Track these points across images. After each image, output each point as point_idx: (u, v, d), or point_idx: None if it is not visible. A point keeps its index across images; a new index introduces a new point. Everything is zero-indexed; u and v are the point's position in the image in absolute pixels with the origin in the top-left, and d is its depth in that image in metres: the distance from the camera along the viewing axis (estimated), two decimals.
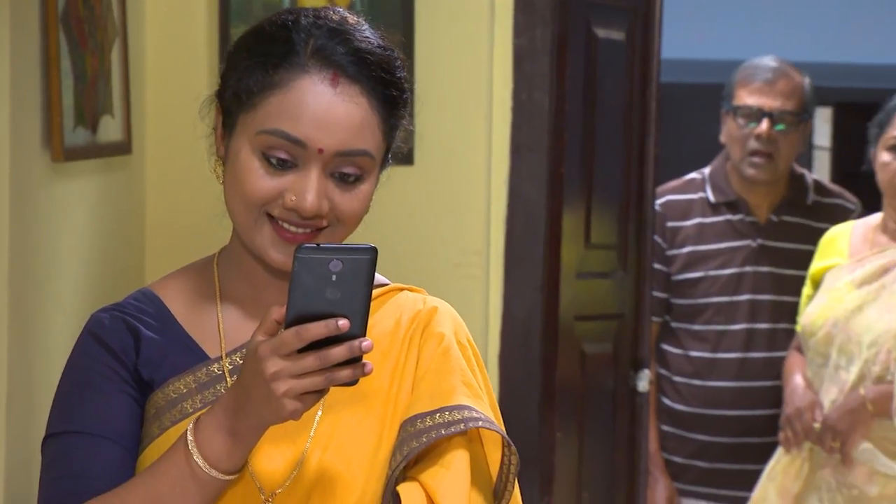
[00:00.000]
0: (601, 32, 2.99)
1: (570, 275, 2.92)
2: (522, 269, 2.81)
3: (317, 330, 1.26)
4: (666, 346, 3.42)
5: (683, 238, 3.40)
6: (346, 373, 1.28)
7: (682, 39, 5.15)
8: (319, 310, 1.27)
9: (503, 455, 1.44)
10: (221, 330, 1.47)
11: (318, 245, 1.28)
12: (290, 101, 1.38)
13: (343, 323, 1.26)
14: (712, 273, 3.36)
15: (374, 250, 1.27)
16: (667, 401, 3.41)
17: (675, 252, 3.40)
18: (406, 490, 1.39)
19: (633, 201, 3.13)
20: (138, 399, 1.44)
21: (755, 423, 3.31)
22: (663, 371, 3.41)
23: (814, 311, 3.06)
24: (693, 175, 3.50)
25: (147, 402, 1.45)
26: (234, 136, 1.41)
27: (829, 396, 3.00)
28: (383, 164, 1.44)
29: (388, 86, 1.41)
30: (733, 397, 3.32)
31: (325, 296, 1.26)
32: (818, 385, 3.04)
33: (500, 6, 2.79)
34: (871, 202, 3.35)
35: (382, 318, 1.44)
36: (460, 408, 1.41)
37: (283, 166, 1.38)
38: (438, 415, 1.41)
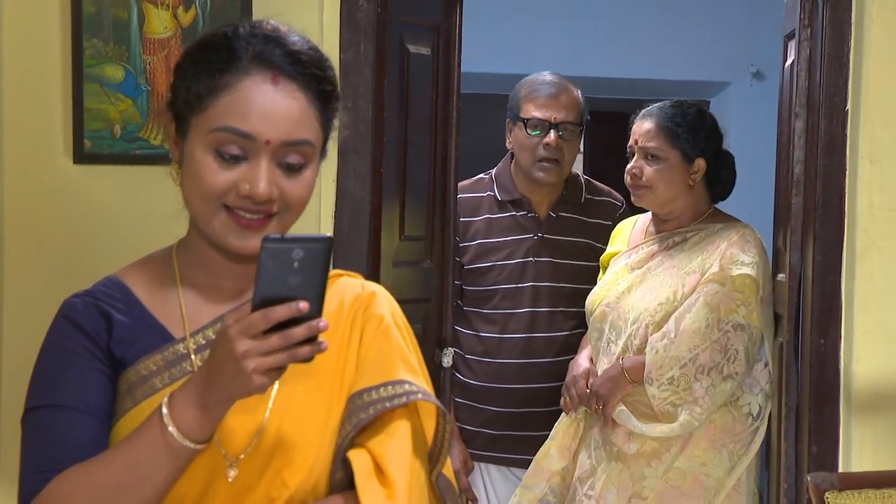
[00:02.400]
0: (412, 48, 3.18)
1: (387, 263, 3.10)
2: (349, 259, 2.96)
3: (281, 312, 1.33)
4: (459, 328, 3.60)
5: (474, 232, 3.59)
6: (305, 350, 1.35)
7: (478, 54, 5.49)
8: (282, 294, 1.33)
9: (438, 424, 1.54)
10: (184, 313, 1.54)
11: (282, 236, 1.35)
12: (236, 100, 1.45)
13: (304, 305, 1.33)
14: (499, 263, 3.56)
15: (330, 240, 1.36)
16: (460, 376, 3.60)
17: (466, 244, 3.59)
18: (356, 456, 1.49)
19: (437, 198, 3.31)
20: (111, 376, 1.50)
21: (538, 395, 3.53)
22: (458, 350, 3.59)
23: (595, 293, 3.30)
24: (481, 175, 3.70)
25: (119, 378, 1.51)
26: (188, 139, 1.49)
27: (602, 366, 3.19)
28: (322, 153, 1.55)
29: (321, 82, 1.52)
30: (519, 373, 3.55)
31: (288, 281, 1.33)
32: (595, 357, 3.25)
33: (329, 25, 2.91)
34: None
35: (327, 300, 1.46)
36: (401, 382, 1.51)
37: (234, 160, 1.46)
38: (383, 389, 1.51)
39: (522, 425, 3.56)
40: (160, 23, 2.87)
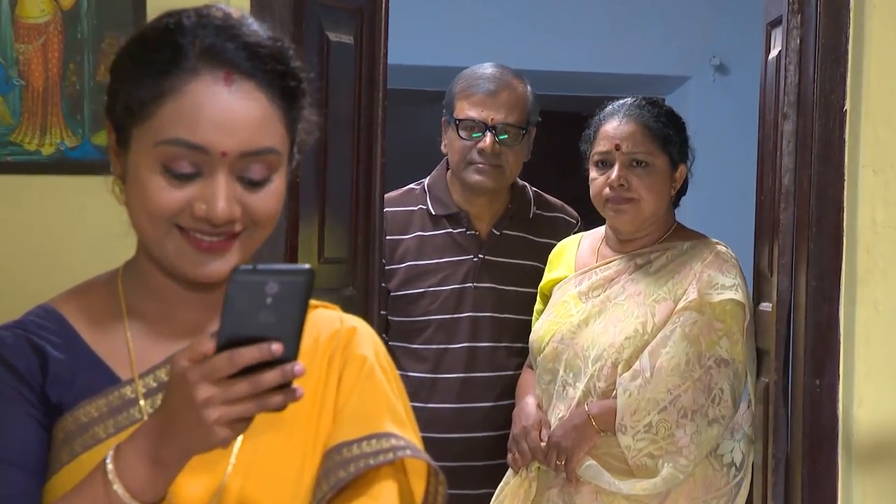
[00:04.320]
0: (332, 35, 3.17)
1: None
2: None
3: (250, 354, 1.35)
4: None
5: (403, 252, 3.60)
6: (276, 398, 1.37)
7: (410, 44, 5.49)
8: (252, 333, 1.36)
9: (429, 485, 1.56)
10: (132, 350, 1.54)
11: (254, 267, 1.36)
12: (184, 106, 1.45)
13: (276, 347, 1.35)
14: (432, 289, 3.57)
15: (310, 272, 1.36)
16: None
17: (394, 267, 3.59)
18: None
19: (361, 213, 3.29)
20: (45, 422, 1.50)
21: (477, 447, 3.53)
22: None
23: (541, 327, 3.30)
24: (412, 186, 3.71)
25: (55, 425, 1.50)
26: (131, 152, 1.49)
27: (558, 414, 3.19)
28: (291, 158, 1.55)
29: (284, 77, 1.50)
30: (455, 420, 3.54)
31: (259, 319, 1.35)
32: (547, 403, 3.26)
33: (236, 7, 2.91)
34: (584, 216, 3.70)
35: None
36: (387, 436, 1.52)
37: (187, 176, 1.46)
38: (365, 443, 1.51)
39: (459, 482, 3.50)
40: (36, 5, 2.88)
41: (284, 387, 1.38)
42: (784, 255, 3.20)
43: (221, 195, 1.46)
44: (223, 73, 1.47)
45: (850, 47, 3.06)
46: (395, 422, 1.56)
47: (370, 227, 3.36)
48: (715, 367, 3.08)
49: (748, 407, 3.20)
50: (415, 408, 3.53)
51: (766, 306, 3.32)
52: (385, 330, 3.62)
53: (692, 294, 3.13)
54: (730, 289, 3.13)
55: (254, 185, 1.49)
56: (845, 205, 3.08)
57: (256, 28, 1.52)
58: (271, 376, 1.36)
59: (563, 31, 5.98)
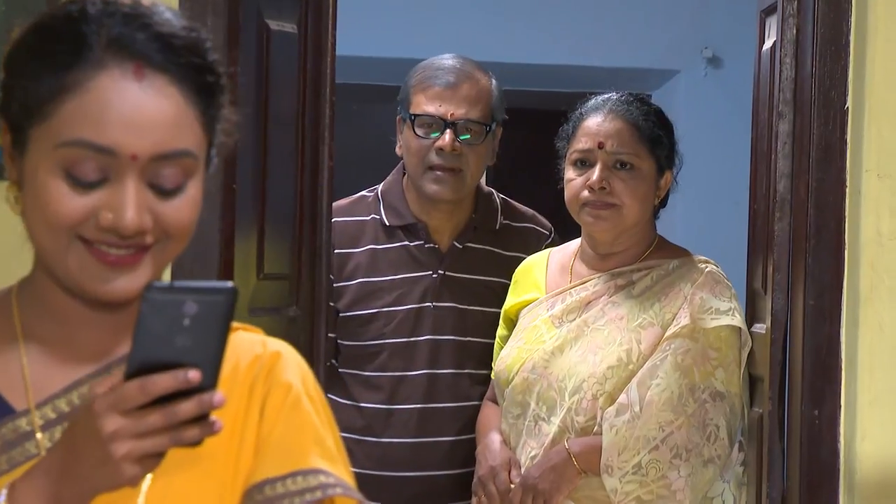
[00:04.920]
0: (273, 24, 3.17)
1: (242, 310, 3.06)
2: None
3: (164, 383, 1.36)
4: (333, 397, 3.57)
5: (354, 268, 3.60)
6: (192, 431, 1.38)
7: (361, 34, 5.47)
8: (167, 358, 1.36)
9: None
10: (27, 377, 1.54)
11: (171, 285, 1.37)
12: (89, 104, 1.46)
13: (193, 375, 1.36)
14: (387, 309, 3.56)
15: (234, 291, 1.38)
16: None
17: (344, 284, 3.58)
18: None
19: (306, 224, 3.29)
20: None
21: (437, 486, 3.53)
22: None
23: (509, 355, 3.30)
24: (364, 193, 3.70)
25: None
26: (28, 155, 1.49)
27: (529, 452, 3.20)
28: (208, 162, 1.55)
29: (200, 71, 1.51)
30: (412, 456, 3.54)
31: (175, 343, 1.36)
32: (515, 440, 3.26)
33: None
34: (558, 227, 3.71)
35: None
36: (315, 472, 1.53)
37: (91, 182, 1.46)
38: (290, 480, 1.52)
39: None
40: None
41: (201, 418, 1.39)
42: (779, 270, 3.20)
43: (131, 203, 1.47)
44: (133, 67, 1.48)
45: (851, 38, 3.06)
46: (323, 456, 1.57)
47: (316, 240, 3.34)
48: (710, 401, 3.09)
49: (738, 443, 3.21)
50: (367, 443, 3.65)
51: (759, 328, 3.33)
52: (334, 355, 3.63)
53: (684, 319, 3.14)
54: (725, 313, 3.14)
55: (167, 192, 1.50)
56: (847, 214, 3.08)
57: (170, 16, 1.52)
58: (187, 407, 1.37)
59: (537, 19, 6.01)
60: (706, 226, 5.42)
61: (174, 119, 1.49)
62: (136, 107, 1.47)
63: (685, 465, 3.06)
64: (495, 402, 3.39)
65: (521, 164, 5.41)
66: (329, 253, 3.42)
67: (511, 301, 3.42)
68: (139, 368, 1.37)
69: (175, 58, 1.50)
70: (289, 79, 3.26)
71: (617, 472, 3.08)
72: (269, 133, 3.19)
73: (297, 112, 3.29)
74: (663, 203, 3.35)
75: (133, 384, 1.36)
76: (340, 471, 1.57)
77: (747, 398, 3.20)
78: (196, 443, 1.40)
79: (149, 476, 1.49)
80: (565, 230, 3.56)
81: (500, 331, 3.44)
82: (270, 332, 3.12)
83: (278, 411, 1.57)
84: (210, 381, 1.38)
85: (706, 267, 3.23)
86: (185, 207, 1.52)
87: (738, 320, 3.14)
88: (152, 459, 1.39)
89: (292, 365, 1.62)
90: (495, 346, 3.43)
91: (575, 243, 3.41)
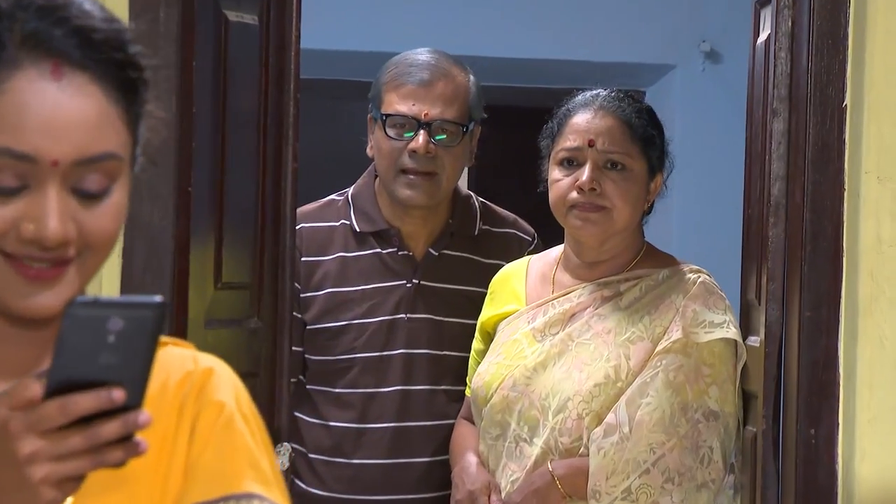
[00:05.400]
0: (232, 15, 3.18)
1: (197, 323, 3.10)
2: None
3: (85, 402, 1.35)
4: (300, 415, 3.61)
5: (322, 277, 3.60)
6: (116, 453, 1.37)
7: (329, 25, 5.48)
8: (89, 376, 1.36)
9: None
10: None
11: (95, 299, 1.36)
12: (4, 108, 1.45)
13: (118, 394, 1.36)
14: (358, 322, 3.57)
15: (162, 305, 1.37)
16: (301, 484, 3.59)
17: (311, 294, 3.60)
18: None
19: (268, 230, 3.30)
20: None
21: None
22: (297, 446, 3.58)
23: (487, 371, 3.30)
24: (333, 197, 3.71)
25: None
26: None
27: (510, 476, 3.20)
28: (133, 162, 1.55)
29: (122, 67, 1.50)
30: (384, 478, 3.55)
31: (99, 360, 1.36)
32: (495, 462, 3.26)
33: None
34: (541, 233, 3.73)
35: None
36: (248, 497, 1.53)
37: (10, 191, 1.46)
38: None
39: None
40: None
41: (126, 439, 1.38)
42: (773, 280, 3.22)
43: (53, 212, 1.46)
44: (50, 66, 1.47)
45: (850, 31, 3.07)
46: (258, 480, 1.57)
47: (279, 247, 3.36)
48: (703, 422, 3.10)
49: (731, 465, 3.22)
50: (337, 464, 3.68)
51: (753, 341, 3.35)
52: (301, 370, 3.64)
53: (675, 333, 3.15)
54: (719, 326, 3.14)
55: (91, 198, 1.49)
56: (845, 219, 3.09)
57: (89, 7, 1.51)
58: (111, 428, 1.36)
59: (521, 10, 6.00)
60: (704, 231, 5.43)
61: (96, 120, 1.49)
62: (54, 109, 1.47)
63: (678, 490, 3.06)
64: (470, 420, 3.40)
65: (505, 165, 5.42)
66: (293, 261, 3.43)
67: (488, 313, 3.43)
68: (59, 386, 1.37)
69: (95, 54, 1.49)
70: (249, 74, 3.26)
71: (605, 497, 3.09)
72: (228, 132, 3.19)
73: (259, 110, 3.30)
74: (650, 209, 3.36)
75: (52, 404, 1.36)
76: (276, 496, 1.57)
77: (740, 414, 3.21)
78: (120, 464, 1.40)
79: (69, 500, 1.47)
80: (551, 237, 3.55)
81: (477, 345, 3.44)
82: (230, 345, 3.25)
83: (210, 432, 1.58)
84: (135, 400, 1.38)
85: (698, 277, 3.23)
86: (109, 215, 1.51)
87: (732, 333, 3.14)
88: (72, 483, 1.39)
89: (226, 382, 1.62)
90: (470, 362, 3.44)
91: (556, 251, 3.41)
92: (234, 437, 1.58)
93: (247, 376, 3.19)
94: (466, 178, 6.18)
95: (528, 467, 3.17)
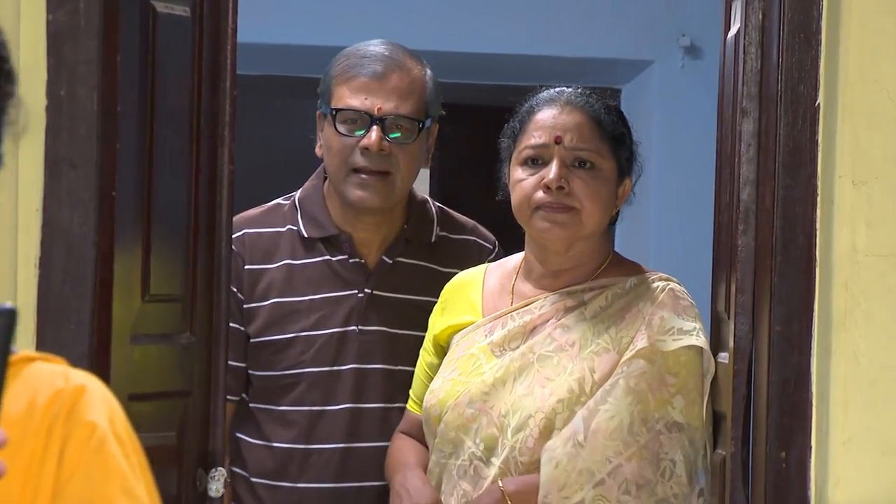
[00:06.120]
0: (161, 6, 3.17)
1: (122, 338, 3.08)
2: (61, 332, 2.97)
3: None
4: (242, 435, 3.61)
5: (267, 286, 3.60)
6: None
7: (271, 17, 5.44)
8: None
9: None
10: None
11: None
12: None
13: None
14: (305, 334, 3.57)
15: (11, 312, 1.40)
16: None
17: (255, 305, 3.59)
18: None
19: (202, 237, 3.30)
20: None
21: None
22: (238, 469, 3.59)
23: (441, 388, 3.28)
24: (279, 201, 3.71)
25: None
26: None
27: (461, 498, 3.21)
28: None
29: None
30: (333, 502, 3.55)
31: None
32: (447, 483, 3.25)
33: None
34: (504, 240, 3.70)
35: (10, 398, 1.51)
36: None
37: None
38: None
39: None
40: None
41: None
42: (743, 292, 3.18)
43: None
44: None
45: (823, 24, 3.06)
46: None
47: (214, 255, 3.35)
48: (665, 433, 3.10)
49: (699, 489, 3.20)
50: (282, 489, 3.67)
51: (723, 357, 3.33)
52: (244, 388, 3.62)
53: (641, 341, 3.14)
54: (688, 334, 3.14)
55: None
56: (818, 227, 3.07)
57: None
58: None
59: (488, 2, 6.05)
60: (684, 237, 5.39)
61: None
62: None
63: (633, 503, 3.06)
64: (410, 435, 3.41)
65: (470, 168, 5.38)
66: (229, 270, 3.42)
67: (442, 324, 3.41)
68: None
69: None
70: (180, 69, 3.26)
71: None
72: (157, 132, 3.19)
73: (192, 109, 3.30)
74: (616, 217, 3.35)
75: None
76: None
77: (710, 434, 3.20)
78: None
79: None
80: (518, 245, 3.50)
81: (428, 357, 3.43)
82: (159, 362, 3.23)
83: (80, 455, 1.57)
84: None
85: (667, 284, 3.23)
86: None
87: (701, 341, 3.14)
88: None
89: (99, 401, 1.61)
90: (419, 373, 3.43)
91: (516, 259, 3.39)
92: (106, 460, 1.58)
93: (179, 395, 3.28)
94: (427, 181, 6.18)
95: (483, 489, 3.18)
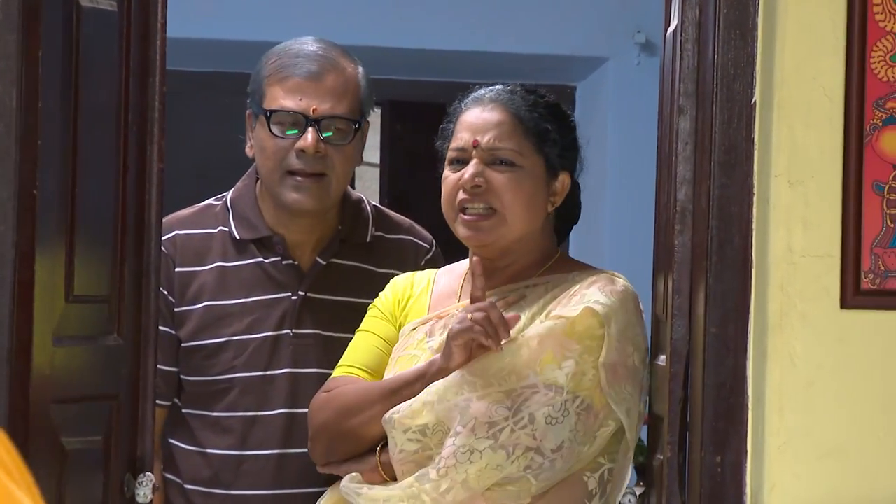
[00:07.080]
0: (85, 0, 3.17)
1: (44, 340, 3.07)
2: None
3: None
4: (175, 441, 3.62)
5: (198, 289, 3.62)
6: None
7: (200, 12, 5.45)
8: None
9: None
10: None
11: None
12: None
13: None
14: (238, 338, 3.59)
15: None
16: None
17: (187, 308, 3.61)
18: None
19: (130, 237, 3.29)
20: None
21: None
22: (171, 476, 3.61)
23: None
24: (210, 201, 3.72)
25: None
26: None
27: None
28: None
29: None
30: None
31: None
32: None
33: None
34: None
35: None
36: None
37: None
38: None
39: None
40: None
41: None
42: (679, 293, 3.20)
43: None
44: None
45: (759, 20, 3.08)
46: None
47: (143, 256, 3.35)
48: (542, 390, 3.09)
49: (632, 494, 3.24)
50: (216, 496, 3.68)
51: (661, 360, 3.33)
52: (176, 393, 3.64)
53: (557, 310, 3.17)
54: (598, 303, 3.13)
55: None
56: (754, 227, 3.10)
57: None
58: None
59: None
60: (637, 235, 5.37)
61: None
62: None
63: (467, 437, 3.07)
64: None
65: (422, 165, 5.39)
66: (158, 271, 3.41)
67: (401, 311, 3.41)
68: None
69: None
70: (107, 66, 3.26)
71: (400, 427, 3.13)
72: (81, 129, 3.18)
73: (119, 106, 3.29)
74: (572, 217, 3.38)
75: None
76: None
77: (636, 434, 3.19)
78: None
79: None
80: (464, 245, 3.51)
81: (382, 327, 3.40)
82: (83, 365, 3.24)
83: None
84: None
85: (611, 275, 3.25)
86: None
87: (605, 310, 3.11)
88: None
89: None
90: (361, 343, 3.39)
91: (465, 263, 3.41)
92: None
93: (105, 398, 3.28)
94: (378, 180, 6.16)
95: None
